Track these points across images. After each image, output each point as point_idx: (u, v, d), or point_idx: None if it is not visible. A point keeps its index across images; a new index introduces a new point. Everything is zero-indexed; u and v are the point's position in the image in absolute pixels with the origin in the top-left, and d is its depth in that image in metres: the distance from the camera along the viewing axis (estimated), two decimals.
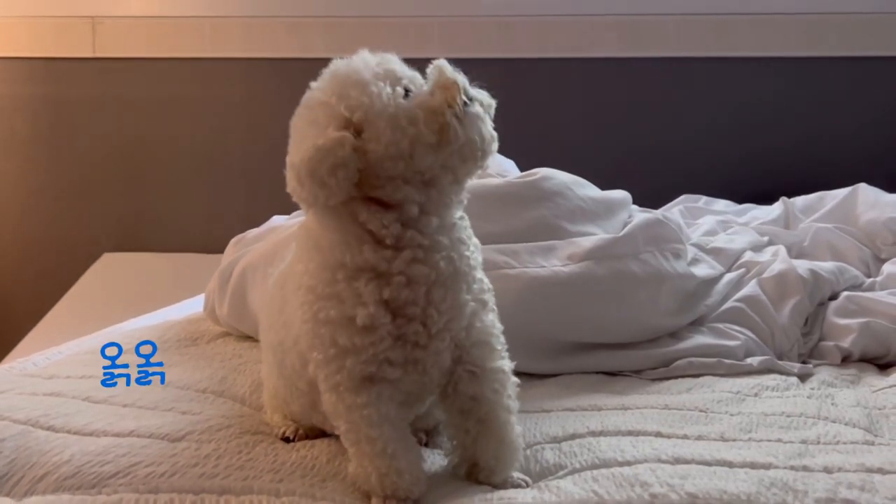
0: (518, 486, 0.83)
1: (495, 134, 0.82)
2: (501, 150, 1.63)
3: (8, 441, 0.86)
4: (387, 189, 0.78)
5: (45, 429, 0.90)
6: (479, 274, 0.86)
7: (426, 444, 0.93)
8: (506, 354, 0.87)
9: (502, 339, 0.87)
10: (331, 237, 0.80)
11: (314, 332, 0.80)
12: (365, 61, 0.80)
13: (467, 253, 0.83)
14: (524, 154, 1.68)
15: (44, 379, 1.09)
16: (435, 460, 0.89)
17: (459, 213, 0.84)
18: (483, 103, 0.81)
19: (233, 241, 1.45)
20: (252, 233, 1.44)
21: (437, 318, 0.80)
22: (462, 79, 0.80)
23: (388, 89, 0.78)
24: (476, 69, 0.81)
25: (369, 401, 0.79)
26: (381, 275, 0.79)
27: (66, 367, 1.14)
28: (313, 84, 0.81)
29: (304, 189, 0.76)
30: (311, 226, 0.83)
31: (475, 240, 0.86)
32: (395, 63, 0.81)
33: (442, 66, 0.80)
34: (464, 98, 0.79)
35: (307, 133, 0.78)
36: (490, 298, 0.86)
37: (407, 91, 0.79)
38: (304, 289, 0.81)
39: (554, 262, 1.19)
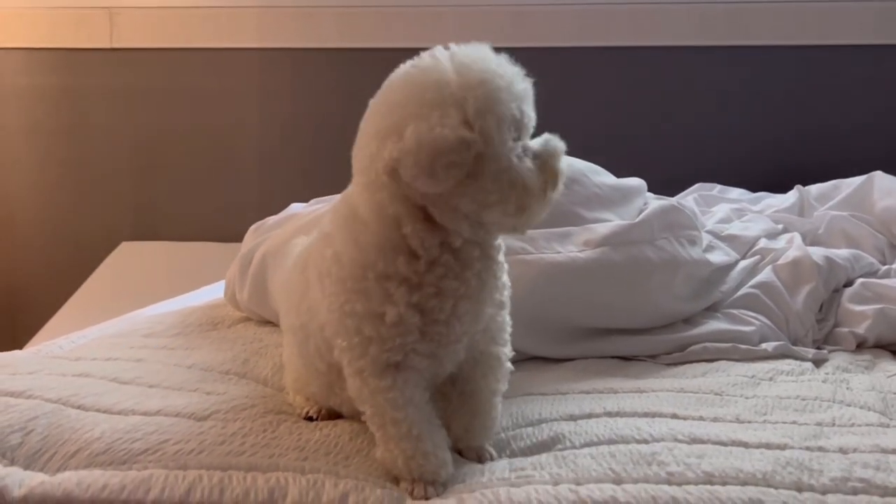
0: (486, 458, 0.86)
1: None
2: None
3: (41, 418, 0.88)
4: (445, 215, 0.77)
5: (76, 408, 0.92)
6: (504, 277, 0.86)
7: None
8: (506, 342, 0.88)
9: (509, 329, 0.88)
10: (368, 238, 0.79)
11: (339, 322, 0.81)
12: (499, 65, 0.79)
13: (494, 266, 0.83)
14: None
15: (71, 361, 1.11)
16: None
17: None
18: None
19: (252, 227, 1.46)
20: (271, 220, 1.45)
21: (459, 327, 0.81)
22: (563, 167, 0.81)
23: (509, 139, 0.75)
24: None
25: (394, 384, 0.80)
26: (412, 283, 0.79)
27: (91, 350, 1.16)
28: (419, 61, 0.77)
29: (408, 170, 0.72)
30: (350, 214, 0.81)
31: (501, 241, 0.85)
32: (517, 80, 0.79)
33: (555, 150, 0.80)
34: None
35: (417, 111, 0.73)
36: (507, 297, 0.87)
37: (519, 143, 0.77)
38: (334, 278, 0.81)
39: (570, 247, 1.20)
